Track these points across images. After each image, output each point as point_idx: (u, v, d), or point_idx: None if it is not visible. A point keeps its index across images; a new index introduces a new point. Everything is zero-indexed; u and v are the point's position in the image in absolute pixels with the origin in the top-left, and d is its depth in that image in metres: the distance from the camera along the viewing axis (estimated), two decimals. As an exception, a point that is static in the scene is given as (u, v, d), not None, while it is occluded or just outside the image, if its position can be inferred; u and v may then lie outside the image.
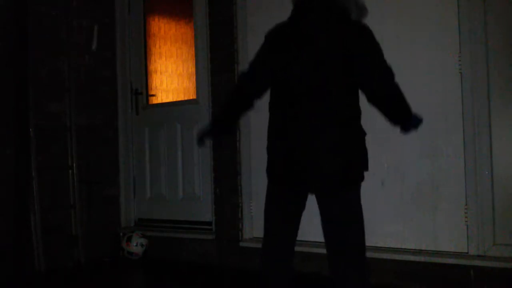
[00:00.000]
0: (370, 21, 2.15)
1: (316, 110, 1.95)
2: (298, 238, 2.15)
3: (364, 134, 2.05)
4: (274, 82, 2.09)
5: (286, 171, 2.02)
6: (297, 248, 2.17)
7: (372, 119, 2.37)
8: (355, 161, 1.99)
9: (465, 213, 2.94)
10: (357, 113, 2.03)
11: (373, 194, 3.14)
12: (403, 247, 3.12)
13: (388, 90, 2.00)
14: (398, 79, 3.37)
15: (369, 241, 3.22)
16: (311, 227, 2.36)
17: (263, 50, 2.14)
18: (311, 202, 2.08)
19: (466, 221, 2.94)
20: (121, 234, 4.25)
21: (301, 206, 2.12)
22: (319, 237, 2.19)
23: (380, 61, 2.00)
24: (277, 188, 2.10)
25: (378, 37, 2.04)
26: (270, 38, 2.12)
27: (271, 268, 2.16)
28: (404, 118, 2.05)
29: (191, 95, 4.47)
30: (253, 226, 3.76)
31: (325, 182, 1.97)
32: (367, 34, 2.00)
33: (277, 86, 2.07)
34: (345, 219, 1.98)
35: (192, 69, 4.38)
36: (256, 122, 3.69)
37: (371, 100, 2.01)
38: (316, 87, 1.95)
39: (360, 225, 2.01)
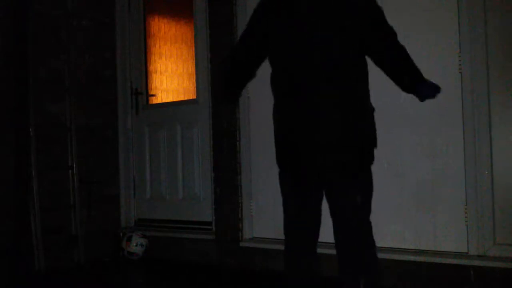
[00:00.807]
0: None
1: (319, 86, 1.88)
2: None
3: (373, 110, 2.00)
4: (272, 56, 2.01)
5: (293, 155, 1.96)
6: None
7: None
8: (363, 141, 1.95)
9: (465, 213, 2.94)
10: (365, 88, 1.98)
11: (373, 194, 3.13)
12: (403, 247, 3.12)
13: (393, 48, 1.97)
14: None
15: (369, 241, 3.21)
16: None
17: (254, 20, 2.06)
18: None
19: (466, 221, 2.94)
20: (121, 234, 4.25)
21: (318, 194, 2.04)
22: (321, 237, 2.19)
23: (383, 21, 1.98)
24: (289, 176, 2.04)
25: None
26: (262, 8, 2.03)
27: (293, 263, 2.10)
28: (415, 80, 1.98)
29: (191, 95, 4.47)
30: (253, 226, 3.76)
31: (332, 164, 1.91)
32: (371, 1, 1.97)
33: (277, 61, 1.99)
34: (352, 204, 1.96)
35: (192, 69, 4.38)
36: (256, 122, 3.69)
37: (378, 62, 1.98)
38: (320, 60, 1.88)
39: (367, 208, 1.99)
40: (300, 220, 2.07)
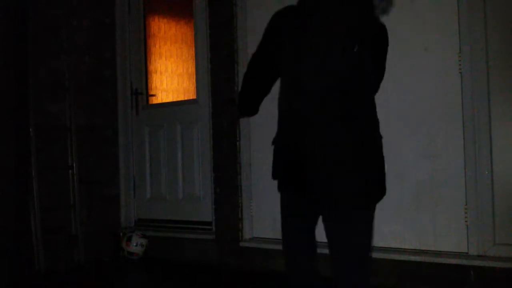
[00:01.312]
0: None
1: (332, 110, 1.76)
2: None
3: (381, 138, 1.86)
4: (284, 76, 1.90)
5: (296, 179, 1.84)
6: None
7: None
8: (375, 176, 1.80)
9: (465, 213, 2.94)
10: (375, 112, 1.87)
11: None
12: (403, 247, 3.12)
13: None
14: (398, 79, 3.38)
15: (369, 241, 3.20)
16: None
17: (268, 39, 1.94)
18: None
19: (466, 221, 2.94)
20: (121, 234, 4.25)
21: (314, 219, 1.96)
22: (320, 237, 2.19)
23: (384, 63, 1.95)
24: (288, 195, 1.96)
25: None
26: (277, 23, 1.92)
27: (295, 272, 2.06)
28: None
29: (191, 95, 4.47)
30: (253, 226, 3.76)
31: (338, 198, 1.78)
32: (385, 33, 1.92)
33: (288, 80, 1.89)
34: (353, 240, 1.81)
35: (192, 69, 4.38)
36: (256, 122, 3.69)
37: None
38: (334, 84, 1.77)
39: (369, 241, 1.85)
40: (298, 235, 2.02)
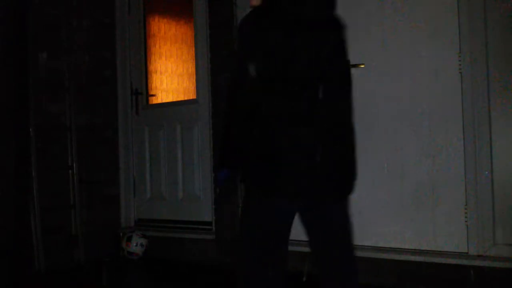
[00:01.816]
0: (369, 20, 2.15)
1: (329, 112, 1.76)
2: (295, 238, 1.98)
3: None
4: (271, 76, 1.81)
5: (295, 181, 1.78)
6: (294, 248, 2.11)
7: (371, 118, 2.36)
8: (352, 169, 1.83)
9: (465, 213, 2.94)
10: (352, 109, 1.86)
11: (373, 194, 3.13)
12: (403, 247, 3.12)
13: None
14: (398, 79, 3.37)
15: (369, 241, 3.22)
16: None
17: (247, 45, 1.86)
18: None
19: (466, 221, 2.94)
20: (121, 234, 4.25)
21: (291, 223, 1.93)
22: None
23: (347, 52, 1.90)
24: (275, 202, 1.90)
25: (377, 37, 2.03)
26: (251, 29, 1.84)
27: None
28: None
29: (191, 95, 4.47)
30: (253, 226, 3.76)
31: (338, 199, 1.82)
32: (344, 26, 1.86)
33: (277, 82, 1.80)
34: (339, 234, 1.84)
35: (192, 69, 4.39)
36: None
37: None
38: (331, 86, 1.76)
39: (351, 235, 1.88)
40: (271, 248, 1.91)
